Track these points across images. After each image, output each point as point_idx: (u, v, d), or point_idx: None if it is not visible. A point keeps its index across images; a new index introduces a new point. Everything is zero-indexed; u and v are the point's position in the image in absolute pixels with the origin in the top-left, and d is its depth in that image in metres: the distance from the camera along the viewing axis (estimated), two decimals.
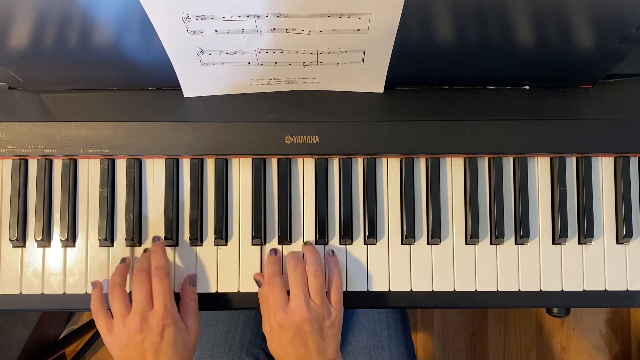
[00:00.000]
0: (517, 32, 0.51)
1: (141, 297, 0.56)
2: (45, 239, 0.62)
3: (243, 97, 0.62)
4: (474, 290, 0.62)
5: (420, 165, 0.63)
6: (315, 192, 0.63)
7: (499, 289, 0.62)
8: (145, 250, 0.62)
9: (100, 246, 0.62)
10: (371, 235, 0.62)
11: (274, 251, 0.62)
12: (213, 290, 0.62)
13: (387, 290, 0.62)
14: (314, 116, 0.61)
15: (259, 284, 0.61)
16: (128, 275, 0.61)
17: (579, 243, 0.63)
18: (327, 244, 0.63)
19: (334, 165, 0.63)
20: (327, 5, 0.47)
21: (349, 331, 0.77)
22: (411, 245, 0.63)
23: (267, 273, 0.59)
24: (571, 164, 0.63)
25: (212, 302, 0.63)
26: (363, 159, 0.63)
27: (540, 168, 0.63)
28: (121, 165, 0.63)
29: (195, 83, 0.59)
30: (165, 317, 0.56)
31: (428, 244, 0.63)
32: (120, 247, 0.62)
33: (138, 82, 0.61)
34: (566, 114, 0.62)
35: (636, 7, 0.46)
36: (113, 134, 0.61)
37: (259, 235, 0.62)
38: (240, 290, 0.62)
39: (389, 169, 0.63)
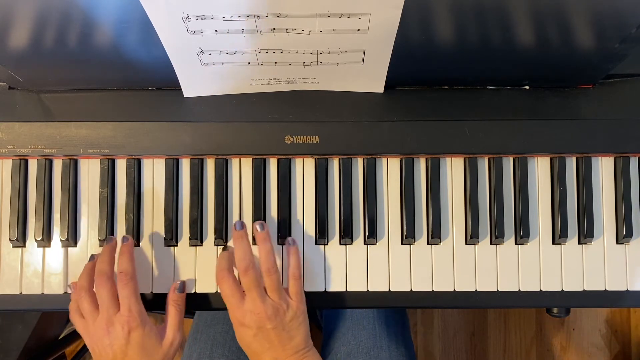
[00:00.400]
0: (517, 32, 0.51)
1: (105, 300, 0.56)
2: (45, 239, 0.62)
3: (243, 97, 0.62)
4: (474, 290, 0.62)
5: (420, 165, 0.63)
6: (315, 192, 0.63)
7: (499, 289, 0.62)
8: (107, 241, 0.61)
9: (100, 246, 0.62)
10: (371, 235, 0.62)
11: (225, 247, 0.62)
12: (213, 291, 0.62)
13: (387, 290, 0.62)
14: (314, 116, 0.61)
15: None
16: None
17: (579, 243, 0.63)
18: (327, 244, 0.63)
19: (334, 165, 0.63)
20: (327, 5, 0.47)
21: (348, 331, 0.77)
22: (411, 245, 0.63)
23: (216, 269, 0.59)
24: (571, 164, 0.63)
25: (212, 302, 0.63)
26: (363, 159, 0.63)
27: (540, 168, 0.63)
28: (121, 165, 0.63)
29: (195, 83, 0.59)
30: (130, 321, 0.56)
31: (428, 244, 0.63)
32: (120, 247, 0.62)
33: (138, 82, 0.61)
34: (566, 114, 0.62)
35: (636, 7, 0.46)
36: (113, 134, 0.61)
37: None
38: None
39: (389, 169, 0.63)
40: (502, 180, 0.63)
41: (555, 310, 0.66)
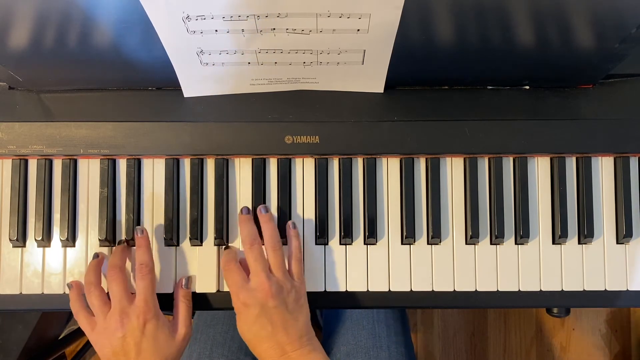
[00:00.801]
0: (517, 32, 0.51)
1: (118, 293, 0.56)
2: (45, 239, 0.62)
3: (243, 97, 0.62)
4: (474, 290, 0.62)
5: (420, 165, 0.63)
6: (315, 192, 0.63)
7: (499, 289, 0.62)
8: (119, 243, 0.62)
9: (100, 246, 0.62)
10: (371, 235, 0.62)
11: (226, 247, 0.62)
12: (213, 290, 0.62)
13: (387, 290, 0.62)
14: (314, 116, 0.61)
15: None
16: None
17: (579, 243, 0.63)
18: (327, 243, 0.63)
19: (334, 165, 0.63)
20: (327, 5, 0.47)
21: (348, 331, 0.77)
22: (411, 245, 0.63)
23: (221, 262, 0.60)
24: (571, 164, 0.63)
25: (212, 302, 0.63)
26: (363, 159, 0.63)
27: (540, 168, 0.63)
28: (121, 165, 0.63)
29: (195, 83, 0.59)
30: (145, 312, 0.55)
31: (428, 244, 0.63)
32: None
33: (138, 82, 0.61)
34: (566, 114, 0.62)
35: (636, 7, 0.46)
36: (113, 134, 0.61)
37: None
38: None
39: (389, 169, 0.63)
40: (502, 180, 0.63)
41: (555, 310, 0.66)
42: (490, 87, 0.62)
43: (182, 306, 0.60)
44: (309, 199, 0.63)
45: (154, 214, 0.62)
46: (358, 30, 0.50)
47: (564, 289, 0.62)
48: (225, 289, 0.62)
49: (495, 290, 0.62)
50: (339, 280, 0.62)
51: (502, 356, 1.44)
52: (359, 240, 0.63)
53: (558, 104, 0.62)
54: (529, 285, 0.62)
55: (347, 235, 0.62)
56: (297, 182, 0.63)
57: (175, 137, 0.61)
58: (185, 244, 0.63)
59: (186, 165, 0.63)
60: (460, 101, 0.62)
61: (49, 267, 0.62)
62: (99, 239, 0.62)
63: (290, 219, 0.62)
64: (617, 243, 0.63)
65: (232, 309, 0.60)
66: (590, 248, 0.63)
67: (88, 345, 1.22)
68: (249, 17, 0.48)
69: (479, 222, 0.62)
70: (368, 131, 0.61)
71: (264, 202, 0.62)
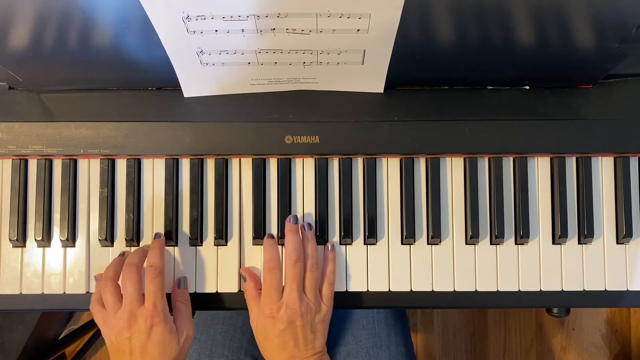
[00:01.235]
0: (517, 32, 0.51)
1: (131, 293, 0.56)
2: (45, 239, 0.62)
3: (243, 97, 0.62)
4: (474, 290, 0.62)
5: (420, 165, 0.63)
6: (315, 192, 0.63)
7: (499, 289, 0.62)
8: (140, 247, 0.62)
9: (101, 246, 0.62)
10: (371, 235, 0.62)
11: (271, 235, 0.62)
12: (213, 290, 0.62)
13: (387, 290, 0.62)
14: (314, 116, 0.61)
15: (244, 278, 0.61)
16: None
17: (579, 243, 0.63)
18: (327, 243, 0.62)
19: (334, 165, 0.63)
20: (327, 5, 0.47)
21: (348, 331, 0.77)
22: (411, 245, 0.63)
23: (266, 258, 0.59)
24: (571, 164, 0.63)
25: (212, 302, 0.63)
26: (363, 159, 0.63)
27: (540, 168, 0.63)
28: (121, 165, 0.63)
29: (195, 83, 0.59)
30: (153, 316, 0.55)
31: (428, 244, 0.63)
32: (120, 247, 0.62)
33: (138, 82, 0.61)
34: (566, 114, 0.62)
35: (636, 7, 0.46)
36: (113, 134, 0.61)
37: (259, 235, 0.62)
38: (240, 291, 0.62)
39: (389, 169, 0.63)
40: (502, 180, 0.63)
41: (555, 310, 0.66)
42: (490, 87, 0.62)
43: (181, 306, 0.60)
44: (309, 199, 0.63)
45: (154, 214, 0.62)
46: (358, 30, 0.50)
47: (564, 289, 0.62)
48: (225, 290, 0.62)
49: (495, 290, 0.62)
50: (339, 280, 0.62)
51: (502, 356, 1.44)
52: (359, 240, 0.63)
53: (558, 104, 0.62)
54: (529, 285, 0.62)
55: (347, 235, 0.62)
56: (297, 182, 0.63)
57: (175, 137, 0.61)
58: (185, 244, 0.63)
59: (186, 165, 0.63)
60: (460, 101, 0.62)
61: (49, 267, 0.62)
62: (99, 239, 0.62)
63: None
64: (617, 243, 0.63)
65: (231, 309, 0.61)
66: (590, 248, 0.63)
67: (88, 345, 1.22)
68: (249, 17, 0.48)
69: (479, 222, 0.62)
70: (368, 131, 0.61)
71: (264, 202, 0.62)
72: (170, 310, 0.61)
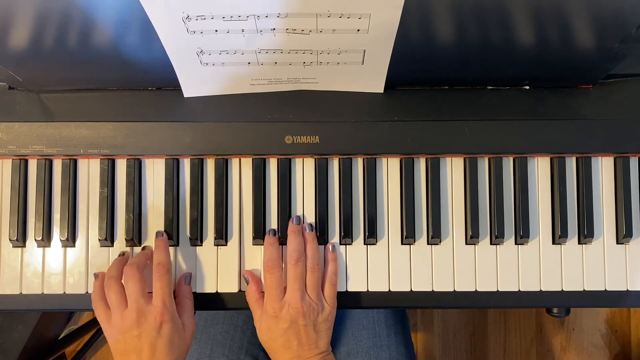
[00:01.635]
0: (517, 32, 0.51)
1: (135, 292, 0.56)
2: (45, 239, 0.62)
3: (243, 97, 0.62)
4: (474, 290, 0.62)
5: (420, 165, 0.63)
6: (315, 192, 0.63)
7: (499, 289, 0.62)
8: (143, 249, 0.62)
9: (101, 246, 0.62)
10: (371, 235, 0.62)
11: (273, 231, 0.62)
12: (213, 290, 0.62)
13: (387, 290, 0.62)
14: (314, 116, 0.61)
15: (246, 280, 0.61)
16: None
17: (579, 243, 0.63)
18: (327, 243, 0.62)
19: (334, 165, 0.63)
20: (327, 5, 0.47)
21: (348, 331, 0.77)
22: (411, 245, 0.63)
23: (266, 258, 0.60)
24: (571, 164, 0.63)
25: (212, 302, 0.63)
26: (363, 159, 0.63)
27: (540, 168, 0.63)
28: (121, 165, 0.63)
29: (195, 83, 0.59)
30: (163, 314, 0.56)
31: (428, 244, 0.63)
32: (120, 247, 0.62)
33: (138, 82, 0.61)
34: (566, 114, 0.62)
35: (636, 7, 0.46)
36: (113, 134, 0.61)
37: (259, 235, 0.62)
38: (241, 290, 0.62)
39: (389, 169, 0.63)
40: (502, 180, 0.63)
41: (555, 310, 0.66)
42: (490, 87, 0.62)
43: (186, 302, 0.60)
44: (309, 199, 0.63)
45: (154, 214, 0.62)
46: (358, 30, 0.50)
47: (564, 289, 0.62)
48: (225, 290, 0.62)
49: (495, 290, 0.62)
50: (339, 280, 0.62)
51: (502, 356, 1.44)
52: (359, 240, 0.63)
53: (558, 104, 0.62)
54: (529, 285, 0.62)
55: (347, 235, 0.62)
56: (297, 182, 0.63)
57: (175, 137, 0.61)
58: (185, 244, 0.63)
59: (186, 165, 0.63)
60: (460, 101, 0.62)
61: (49, 267, 0.62)
62: (99, 239, 0.62)
63: (290, 219, 0.62)
64: (617, 243, 0.63)
65: (232, 309, 0.61)
66: (590, 248, 0.63)
67: (88, 345, 1.22)
68: (249, 17, 0.48)
69: (479, 222, 0.62)
70: (368, 131, 0.61)
71: (264, 202, 0.62)
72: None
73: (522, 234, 0.62)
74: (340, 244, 0.63)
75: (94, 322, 1.11)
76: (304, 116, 0.61)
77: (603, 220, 0.63)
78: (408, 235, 0.62)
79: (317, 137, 0.61)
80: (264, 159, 0.63)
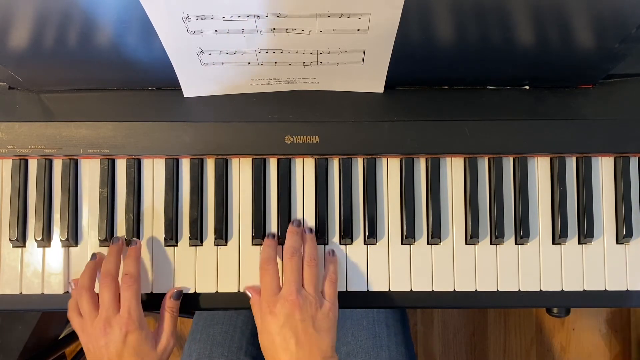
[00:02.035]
0: (517, 32, 0.51)
1: (107, 301, 0.56)
2: (45, 239, 0.62)
3: (243, 97, 0.62)
4: (474, 290, 0.62)
5: (420, 165, 0.63)
6: (315, 192, 0.63)
7: (499, 289, 0.62)
8: (114, 240, 0.61)
9: (100, 246, 0.62)
10: (371, 235, 0.62)
11: (272, 235, 0.62)
12: (213, 290, 0.62)
13: (387, 290, 0.62)
14: (314, 116, 0.61)
15: (249, 295, 0.60)
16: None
17: (579, 243, 0.63)
18: (327, 243, 0.63)
19: (334, 165, 0.63)
20: (327, 5, 0.47)
21: (348, 332, 0.77)
22: (411, 245, 0.63)
23: (262, 257, 0.59)
24: (571, 164, 0.63)
25: (212, 302, 0.63)
26: (363, 159, 0.63)
27: (540, 168, 0.63)
28: (121, 165, 0.63)
29: (195, 83, 0.59)
30: (128, 324, 0.56)
31: (428, 244, 0.63)
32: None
33: (138, 82, 0.61)
34: (566, 114, 0.62)
35: (636, 7, 0.46)
36: (113, 134, 0.61)
37: (259, 235, 0.62)
38: (240, 291, 0.62)
39: (389, 169, 0.63)
40: (502, 180, 0.63)
41: (555, 310, 0.66)
42: (490, 87, 0.62)
43: (167, 317, 0.60)
44: (309, 199, 0.63)
45: (153, 214, 0.62)
46: (358, 30, 0.50)
47: (564, 289, 0.62)
48: (224, 290, 0.62)
49: (495, 290, 0.62)
50: (339, 280, 0.62)
51: (502, 356, 1.44)
52: (359, 240, 0.63)
53: (558, 104, 0.62)
54: (529, 285, 0.62)
55: (347, 235, 0.62)
56: (297, 182, 0.63)
57: (175, 137, 0.61)
58: (185, 244, 0.63)
59: (186, 165, 0.63)
60: (460, 101, 0.62)
61: (49, 267, 0.62)
62: (99, 239, 0.62)
63: (290, 219, 0.62)
64: (617, 243, 0.63)
65: (231, 309, 0.60)
66: (590, 248, 0.63)
67: None
68: (249, 17, 0.48)
69: (479, 222, 0.62)
70: (368, 131, 0.61)
71: (264, 202, 0.62)
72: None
73: (522, 234, 0.62)
74: (340, 244, 0.63)
75: None
76: (304, 116, 0.61)
77: (603, 220, 0.63)
78: (408, 235, 0.62)
79: (317, 137, 0.61)
80: (264, 159, 0.63)
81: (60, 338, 1.01)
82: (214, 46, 0.52)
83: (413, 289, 0.62)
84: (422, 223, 0.63)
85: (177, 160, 0.63)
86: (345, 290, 0.62)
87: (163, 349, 0.58)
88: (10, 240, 0.62)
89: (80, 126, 0.61)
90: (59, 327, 1.00)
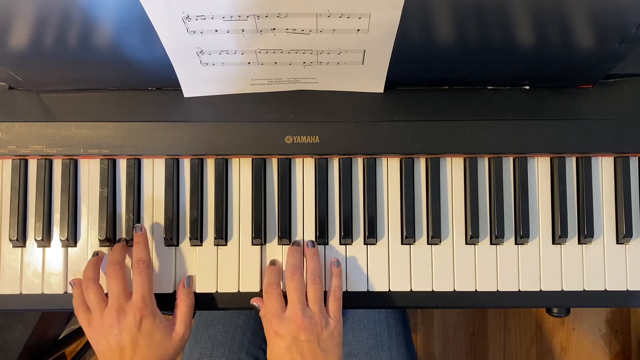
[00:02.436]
0: (517, 32, 0.51)
1: (116, 289, 0.56)
2: (45, 239, 0.62)
3: (243, 97, 0.62)
4: (474, 290, 0.62)
5: (420, 165, 0.63)
6: (315, 192, 0.63)
7: (499, 289, 0.62)
8: (118, 241, 0.62)
9: (100, 246, 0.62)
10: (371, 235, 0.62)
11: (273, 262, 0.62)
12: (213, 290, 0.62)
13: (387, 290, 0.62)
14: (314, 116, 0.61)
15: (257, 307, 0.60)
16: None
17: (579, 243, 0.63)
18: (327, 243, 0.63)
19: (334, 165, 0.63)
20: (327, 5, 0.47)
21: (349, 332, 0.77)
22: (411, 245, 0.63)
23: (265, 283, 0.59)
24: (571, 164, 0.63)
25: (212, 302, 0.63)
26: (363, 159, 0.63)
27: (540, 168, 0.63)
28: (121, 165, 0.63)
29: (195, 83, 0.59)
30: (142, 309, 0.55)
31: (428, 244, 0.63)
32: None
33: (138, 82, 0.61)
34: (566, 114, 0.62)
35: (636, 7, 0.46)
36: (113, 134, 0.61)
37: (259, 235, 0.62)
38: (240, 290, 0.62)
39: (389, 169, 0.63)
40: (502, 180, 0.63)
41: (555, 310, 0.66)
42: (490, 87, 0.62)
43: (183, 305, 0.60)
44: (309, 199, 0.63)
45: (153, 214, 0.62)
46: (358, 30, 0.50)
47: (564, 289, 0.62)
48: (225, 290, 0.62)
49: (495, 290, 0.62)
50: None
51: (502, 356, 1.44)
52: (359, 240, 0.63)
53: (558, 104, 0.62)
54: (529, 285, 0.62)
55: (347, 236, 0.62)
56: (297, 182, 0.63)
57: (175, 137, 0.61)
58: (185, 244, 0.63)
59: (186, 165, 0.63)
60: (460, 101, 0.62)
61: (49, 267, 0.62)
62: (99, 239, 0.62)
63: (290, 219, 0.62)
64: (617, 243, 0.63)
65: (232, 309, 0.60)
66: (590, 248, 0.63)
67: (88, 345, 1.22)
68: (249, 17, 0.48)
69: (479, 222, 0.62)
70: (368, 131, 0.61)
71: (264, 202, 0.62)
72: (171, 309, 0.61)
73: (522, 234, 0.62)
74: (340, 244, 0.63)
75: None
76: (304, 116, 0.61)
77: (603, 220, 0.63)
78: (408, 235, 0.62)
79: (317, 137, 0.61)
80: (264, 159, 0.63)
81: (60, 338, 1.01)
82: (214, 46, 0.52)
83: (413, 289, 0.62)
84: (422, 223, 0.63)
85: (177, 160, 0.63)
86: (345, 290, 0.62)
87: (179, 337, 0.58)
88: (10, 240, 0.62)
89: (80, 126, 0.61)
90: (59, 327, 1.00)
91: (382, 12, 0.48)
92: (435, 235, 0.62)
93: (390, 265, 0.62)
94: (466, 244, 0.63)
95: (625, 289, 0.62)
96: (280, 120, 0.61)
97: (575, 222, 0.63)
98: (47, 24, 0.49)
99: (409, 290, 0.62)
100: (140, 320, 0.55)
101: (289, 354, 0.55)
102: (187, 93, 0.61)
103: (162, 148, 0.61)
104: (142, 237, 0.60)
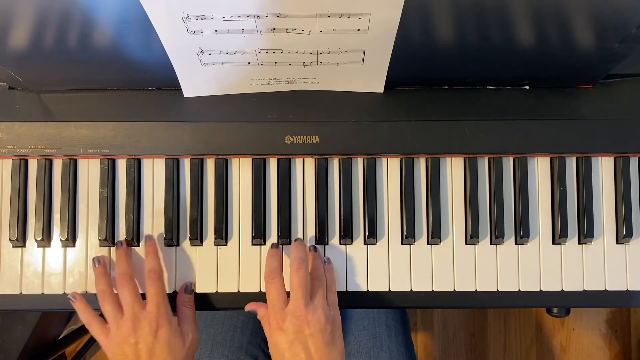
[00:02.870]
0: (517, 32, 0.51)
1: (130, 299, 0.56)
2: (45, 239, 0.62)
3: (243, 97, 0.62)
4: (474, 290, 0.62)
5: (420, 165, 0.63)
6: (315, 192, 0.63)
7: (499, 289, 0.62)
8: (117, 244, 0.61)
9: (100, 246, 0.62)
10: (371, 235, 0.62)
11: (275, 245, 0.61)
12: (213, 290, 0.62)
13: (387, 290, 0.62)
14: (314, 116, 0.61)
15: (254, 312, 0.59)
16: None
17: (579, 243, 0.63)
18: (327, 243, 0.63)
19: (334, 165, 0.63)
20: (327, 5, 0.47)
21: (348, 332, 0.77)
22: (411, 245, 0.63)
23: (266, 269, 0.58)
24: (571, 164, 0.63)
25: (212, 302, 0.63)
26: (363, 159, 0.63)
27: (540, 168, 0.63)
28: (121, 165, 0.63)
29: (195, 83, 0.59)
30: (158, 318, 0.56)
31: (428, 244, 0.63)
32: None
33: (138, 82, 0.61)
34: (566, 114, 0.62)
35: (636, 7, 0.46)
36: (113, 134, 0.61)
37: (259, 235, 0.62)
38: (240, 290, 0.62)
39: (389, 169, 0.63)
40: (502, 180, 0.63)
41: (555, 310, 0.66)
42: (490, 87, 0.62)
43: (186, 311, 0.60)
44: (309, 199, 0.63)
45: (153, 214, 0.62)
46: (358, 30, 0.50)
47: (564, 289, 0.62)
48: (225, 290, 0.62)
49: (495, 290, 0.62)
50: (338, 280, 0.62)
51: (502, 356, 1.44)
52: (359, 240, 0.63)
53: (558, 104, 0.62)
54: (529, 285, 0.62)
55: (347, 235, 0.62)
56: (297, 182, 0.63)
57: (175, 137, 0.61)
58: (185, 244, 0.63)
59: (186, 165, 0.63)
60: (460, 101, 0.62)
61: (49, 267, 0.62)
62: (99, 239, 0.62)
63: (290, 219, 0.62)
64: (617, 243, 0.63)
65: (231, 309, 0.60)
66: (590, 248, 0.63)
67: (88, 345, 1.22)
68: (249, 17, 0.48)
69: (479, 222, 0.62)
70: (368, 131, 0.61)
71: (264, 202, 0.62)
72: (174, 308, 0.61)
73: (522, 234, 0.62)
74: (340, 244, 0.63)
75: None
76: (304, 116, 0.61)
77: (603, 220, 0.63)
78: (408, 235, 0.62)
79: (317, 137, 0.61)
80: (264, 159, 0.63)
81: (60, 338, 1.01)
82: (214, 46, 0.52)
83: (413, 289, 0.62)
84: (422, 223, 0.63)
85: (177, 160, 0.63)
86: (345, 290, 0.62)
87: (190, 343, 0.58)
88: (10, 240, 0.62)
89: (80, 126, 0.61)
90: (59, 327, 1.00)
91: (382, 12, 0.48)
92: (435, 235, 0.62)
93: (390, 265, 0.62)
94: (466, 244, 0.63)
95: (625, 289, 0.62)
96: (280, 120, 0.61)
97: (575, 222, 0.63)
98: (47, 24, 0.49)
99: (409, 290, 0.62)
100: (157, 329, 0.55)
101: (291, 350, 0.54)
102: (187, 93, 0.61)
103: (162, 148, 0.61)
104: (152, 247, 0.61)
